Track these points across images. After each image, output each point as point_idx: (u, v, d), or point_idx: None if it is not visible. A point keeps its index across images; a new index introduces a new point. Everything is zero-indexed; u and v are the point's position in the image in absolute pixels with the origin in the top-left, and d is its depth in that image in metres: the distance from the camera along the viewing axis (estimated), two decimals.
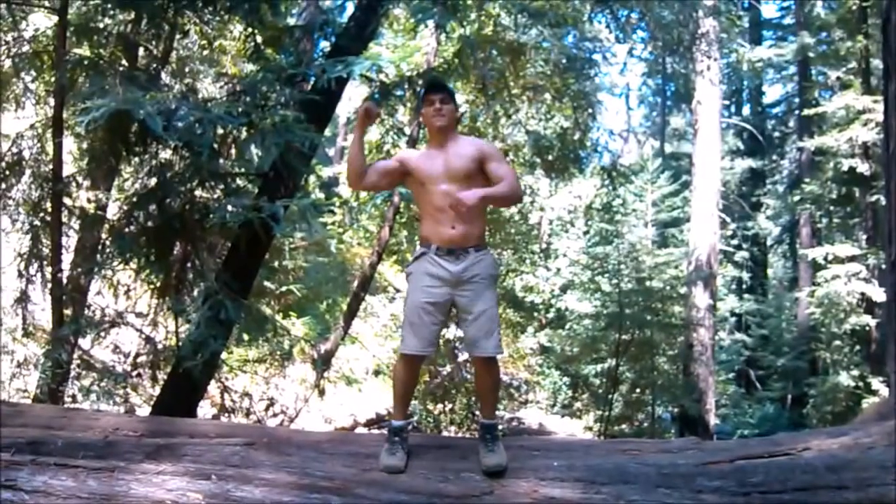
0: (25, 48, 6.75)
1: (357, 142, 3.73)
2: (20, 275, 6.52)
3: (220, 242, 6.34)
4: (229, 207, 5.54)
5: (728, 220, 23.81)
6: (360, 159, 3.73)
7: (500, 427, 4.42)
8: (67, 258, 6.73)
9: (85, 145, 6.79)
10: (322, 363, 11.29)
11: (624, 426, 14.89)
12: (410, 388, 3.98)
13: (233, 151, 6.10)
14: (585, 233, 23.16)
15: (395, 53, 12.67)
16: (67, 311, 6.28)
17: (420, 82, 6.97)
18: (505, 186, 3.66)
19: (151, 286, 6.38)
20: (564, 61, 12.15)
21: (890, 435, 3.41)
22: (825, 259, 17.54)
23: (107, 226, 6.63)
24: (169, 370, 6.29)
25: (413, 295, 3.72)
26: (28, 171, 6.63)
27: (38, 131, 6.60)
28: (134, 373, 7.23)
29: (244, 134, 5.84)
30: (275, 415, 10.21)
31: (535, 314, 19.51)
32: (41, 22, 7.05)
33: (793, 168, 26.42)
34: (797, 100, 23.79)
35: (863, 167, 17.02)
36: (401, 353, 3.79)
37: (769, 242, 28.72)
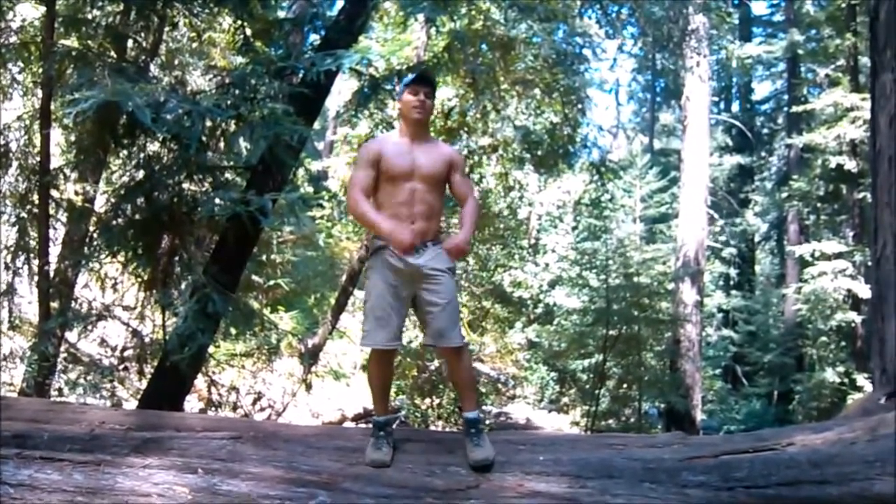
0: (13, 39, 6.70)
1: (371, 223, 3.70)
2: (7, 267, 6.49)
3: (207, 236, 6.33)
4: (217, 200, 5.54)
5: (716, 216, 23.90)
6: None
7: (486, 421, 4.45)
8: (54, 251, 6.70)
9: (73, 137, 6.75)
10: (310, 357, 11.30)
11: (611, 421, 14.93)
12: (387, 383, 4.01)
13: (221, 144, 6.08)
14: (574, 228, 23.18)
15: (384, 47, 12.63)
16: (54, 304, 6.26)
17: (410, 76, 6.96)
18: (473, 210, 3.86)
19: (139, 279, 6.36)
20: (554, 56, 12.13)
21: (872, 430, 3.43)
22: (812, 256, 17.63)
23: (94, 218, 6.60)
24: (156, 364, 6.27)
25: (378, 289, 3.72)
26: (15, 163, 6.60)
27: (25, 123, 6.57)
28: (121, 366, 7.21)
29: (233, 127, 5.82)
30: (262, 409, 10.19)
31: (523, 309, 19.51)
32: (29, 12, 7.00)
33: (781, 165, 26.53)
34: (786, 97, 23.88)
35: (850, 164, 17.12)
36: (372, 349, 3.79)
37: (757, 239, 28.85)
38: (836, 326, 17.65)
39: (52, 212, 6.34)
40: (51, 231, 6.33)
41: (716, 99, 27.21)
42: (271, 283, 11.64)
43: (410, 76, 3.90)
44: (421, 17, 8.25)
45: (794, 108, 19.46)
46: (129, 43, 6.74)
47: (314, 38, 6.98)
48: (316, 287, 15.37)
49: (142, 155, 5.99)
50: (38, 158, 6.22)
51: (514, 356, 18.17)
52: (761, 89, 31.30)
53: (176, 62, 7.89)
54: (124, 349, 7.21)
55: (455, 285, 3.83)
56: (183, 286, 6.07)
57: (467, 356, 3.87)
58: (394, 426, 3.75)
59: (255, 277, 10.44)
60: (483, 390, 14.97)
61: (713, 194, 22.83)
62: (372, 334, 3.71)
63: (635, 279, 14.74)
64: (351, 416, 12.97)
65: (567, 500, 3.28)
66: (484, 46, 11.32)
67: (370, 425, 3.80)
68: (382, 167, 3.73)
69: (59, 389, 6.37)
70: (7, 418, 3.83)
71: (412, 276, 3.67)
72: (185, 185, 5.88)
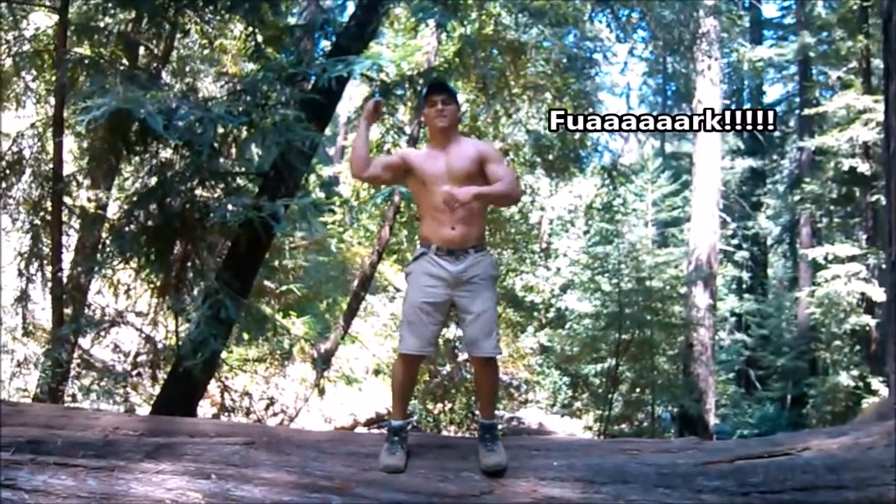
0: (26, 47, 6.76)
1: (363, 133, 3.72)
2: (20, 274, 6.53)
3: (220, 242, 6.35)
4: (230, 207, 5.55)
5: (728, 219, 23.78)
6: (365, 149, 3.73)
7: (499, 427, 4.45)
8: (68, 257, 6.73)
9: (85, 144, 6.80)
10: (322, 362, 11.29)
11: (624, 426, 14.89)
12: (409, 388, 3.97)
13: (233, 151, 6.10)
14: (586, 232, 23.13)
15: (395, 53, 12.68)
16: (67, 311, 6.29)
17: (421, 81, 6.97)
18: (501, 186, 3.64)
19: (151, 285, 6.38)
20: (565, 61, 12.14)
21: (889, 435, 3.41)
22: (825, 259, 17.50)
23: (107, 225, 6.64)
24: (169, 369, 6.29)
25: (412, 295, 3.71)
26: (28, 171, 6.63)
27: (38, 130, 6.61)
28: (134, 372, 7.23)
29: (245, 133, 5.84)
30: (275, 414, 10.20)
31: (535, 314, 19.49)
32: (42, 21, 7.05)
33: (793, 168, 26.36)
34: (798, 99, 23.71)
35: (863, 167, 17.00)
36: (400, 352, 3.77)
37: (769, 242, 28.66)
38: (849, 330, 17.50)
39: (65, 218, 6.38)
40: (64, 238, 6.36)
41: (727, 102, 27.08)
42: (283, 288, 11.68)
43: (424, 90, 3.88)
44: (431, 22, 8.24)
45: (806, 111, 19.32)
46: (141, 50, 6.80)
47: (325, 45, 7.01)
48: (328, 292, 15.38)
49: (154, 161, 6.02)
50: (51, 166, 6.26)
51: (526, 360, 18.13)
52: (773, 92, 31.17)
53: (187, 69, 7.93)
54: (137, 355, 7.24)
55: (495, 295, 3.78)
56: (195, 292, 6.09)
57: (495, 367, 3.84)
58: (408, 431, 3.73)
59: (267, 283, 10.48)
60: None
61: (725, 197, 22.72)
62: (404, 339, 3.70)
63: (647, 283, 14.70)
64: (363, 420, 12.99)
65: None
66: (495, 51, 11.35)
67: (383, 430, 3.79)
68: (416, 172, 3.74)
69: (73, 395, 6.39)
70: (21, 424, 3.85)
71: (451, 282, 3.65)
72: (198, 192, 5.90)
